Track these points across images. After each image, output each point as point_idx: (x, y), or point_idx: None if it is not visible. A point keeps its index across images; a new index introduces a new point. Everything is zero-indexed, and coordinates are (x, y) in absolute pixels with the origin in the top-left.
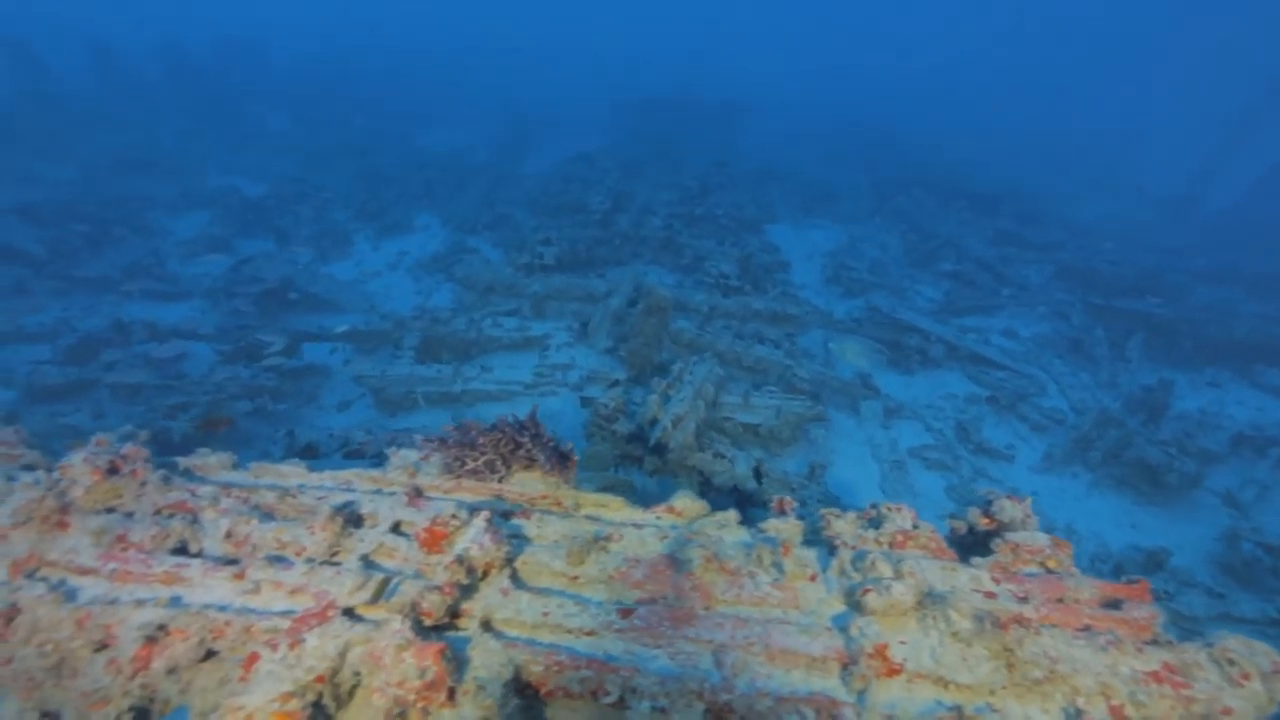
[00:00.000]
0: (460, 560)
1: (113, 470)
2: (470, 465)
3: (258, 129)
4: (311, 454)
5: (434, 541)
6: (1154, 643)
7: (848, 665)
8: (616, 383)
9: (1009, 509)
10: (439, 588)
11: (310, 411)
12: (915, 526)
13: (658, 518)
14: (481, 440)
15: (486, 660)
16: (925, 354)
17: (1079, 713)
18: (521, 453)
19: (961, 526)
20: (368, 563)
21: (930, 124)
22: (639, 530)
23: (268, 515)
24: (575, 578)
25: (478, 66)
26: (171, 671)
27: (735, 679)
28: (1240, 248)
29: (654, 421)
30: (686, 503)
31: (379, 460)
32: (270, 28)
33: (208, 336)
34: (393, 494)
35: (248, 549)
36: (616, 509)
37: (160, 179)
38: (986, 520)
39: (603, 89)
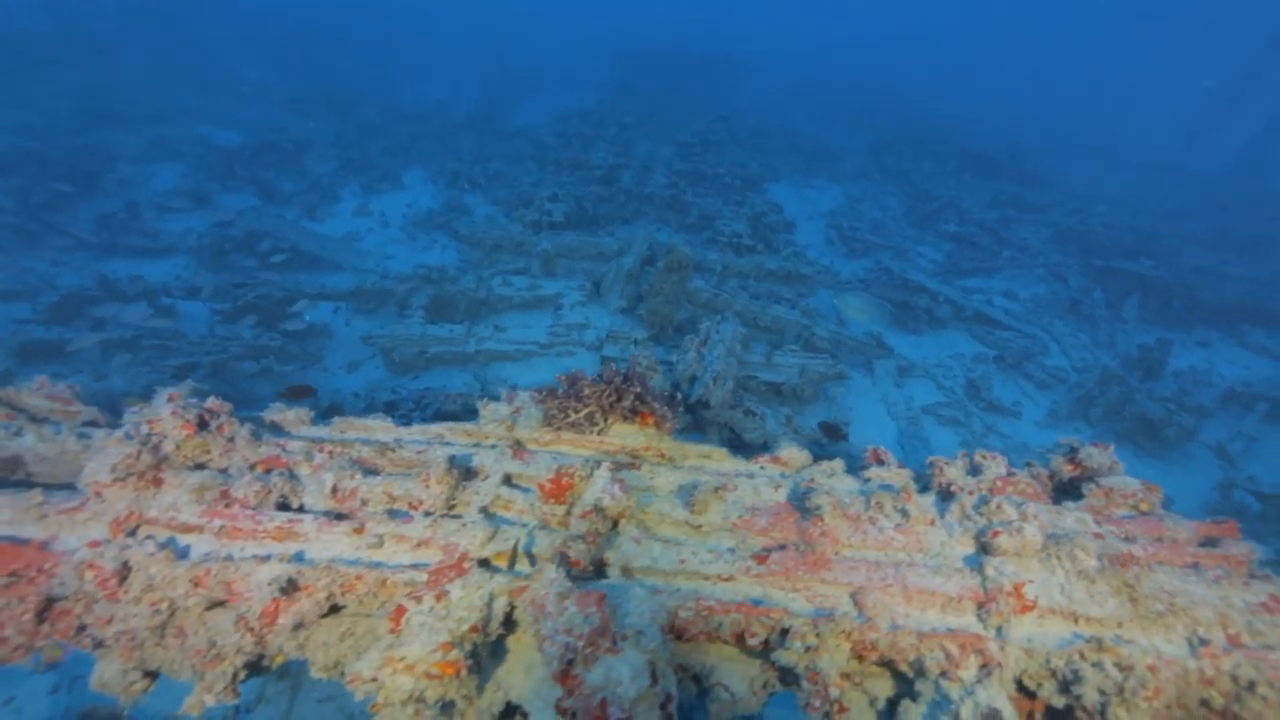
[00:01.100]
0: (598, 510)
1: (202, 424)
2: (572, 418)
3: (226, 74)
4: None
5: (560, 493)
6: (1254, 576)
7: (983, 603)
8: (637, 342)
9: (1096, 456)
10: (582, 537)
11: (316, 373)
12: (1010, 473)
13: (761, 467)
14: (587, 391)
15: (639, 607)
16: (933, 314)
17: (1203, 641)
18: (624, 404)
19: (1042, 474)
20: (486, 515)
21: (922, 84)
22: (751, 480)
23: (370, 470)
24: (699, 526)
25: (460, 13)
26: (297, 627)
27: (877, 619)
28: (1229, 211)
29: (693, 379)
30: (792, 453)
31: (407, 420)
32: None
33: (201, 295)
34: (493, 447)
35: (355, 504)
36: (720, 459)
37: (126, 127)
38: (1070, 466)
39: (593, 41)
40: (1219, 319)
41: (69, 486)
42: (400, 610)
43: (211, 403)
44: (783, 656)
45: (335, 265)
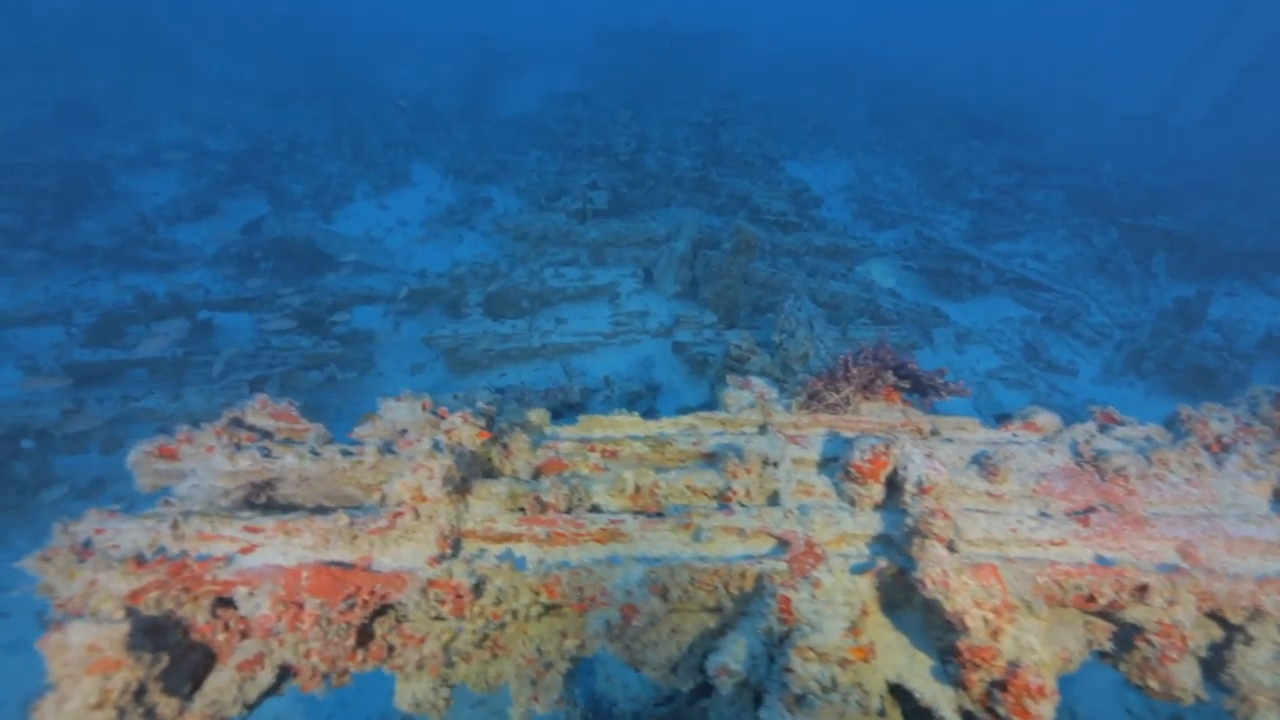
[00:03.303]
0: (928, 485)
1: (492, 429)
2: (833, 398)
3: (201, 71)
4: None
5: (875, 473)
6: None
7: None
8: (733, 325)
9: None
10: (937, 513)
11: (372, 379)
12: (1244, 424)
13: (1014, 434)
14: (854, 371)
15: (1008, 575)
16: (976, 280)
17: None
18: (879, 382)
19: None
20: (789, 501)
21: (902, 49)
22: (1022, 446)
23: (660, 467)
24: (998, 495)
25: None
26: (650, 625)
27: (1215, 569)
28: (1218, 162)
29: (805, 357)
30: (1047, 418)
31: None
32: None
33: (247, 305)
34: (762, 433)
35: (652, 500)
36: (974, 429)
37: (111, 134)
38: None
39: (569, 20)
40: (1241, 269)
41: (328, 507)
42: (785, 599)
43: (482, 405)
44: (1137, 613)
45: (365, 268)
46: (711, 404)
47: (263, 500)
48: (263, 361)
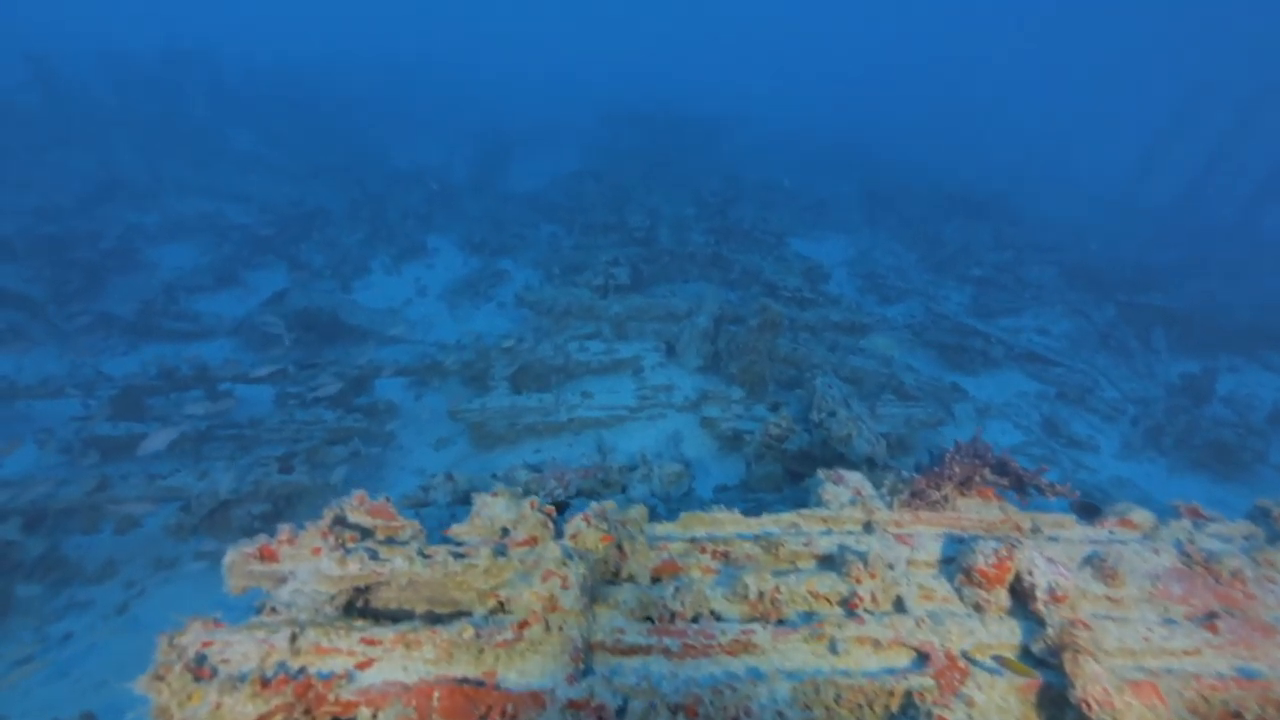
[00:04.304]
0: (1066, 595)
1: (613, 530)
2: (934, 496)
3: (224, 147)
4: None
5: (1001, 578)
6: None
7: None
8: (777, 405)
9: None
10: (1078, 623)
11: (393, 453)
12: None
13: (1111, 532)
14: (956, 469)
15: (1164, 688)
16: (987, 355)
17: None
18: (976, 479)
19: None
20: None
21: (889, 134)
22: (1125, 545)
23: (775, 569)
24: (1118, 600)
25: (438, 78)
26: None
27: None
28: (1195, 240)
29: (848, 438)
30: (1142, 515)
31: (562, 502)
32: (220, 37)
33: (268, 378)
34: (865, 531)
35: (775, 606)
36: (1070, 526)
37: (136, 206)
38: None
39: (573, 104)
40: (1238, 344)
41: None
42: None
43: (597, 507)
44: None
45: (388, 339)
46: (748, 481)
47: (360, 604)
48: (287, 436)
